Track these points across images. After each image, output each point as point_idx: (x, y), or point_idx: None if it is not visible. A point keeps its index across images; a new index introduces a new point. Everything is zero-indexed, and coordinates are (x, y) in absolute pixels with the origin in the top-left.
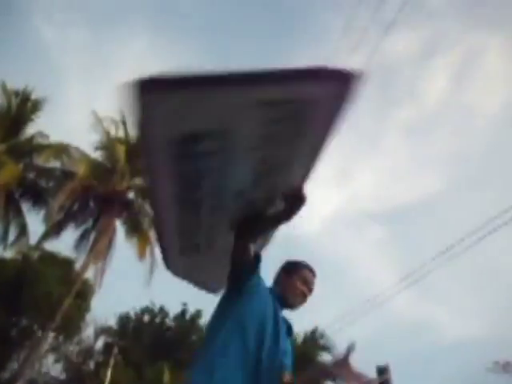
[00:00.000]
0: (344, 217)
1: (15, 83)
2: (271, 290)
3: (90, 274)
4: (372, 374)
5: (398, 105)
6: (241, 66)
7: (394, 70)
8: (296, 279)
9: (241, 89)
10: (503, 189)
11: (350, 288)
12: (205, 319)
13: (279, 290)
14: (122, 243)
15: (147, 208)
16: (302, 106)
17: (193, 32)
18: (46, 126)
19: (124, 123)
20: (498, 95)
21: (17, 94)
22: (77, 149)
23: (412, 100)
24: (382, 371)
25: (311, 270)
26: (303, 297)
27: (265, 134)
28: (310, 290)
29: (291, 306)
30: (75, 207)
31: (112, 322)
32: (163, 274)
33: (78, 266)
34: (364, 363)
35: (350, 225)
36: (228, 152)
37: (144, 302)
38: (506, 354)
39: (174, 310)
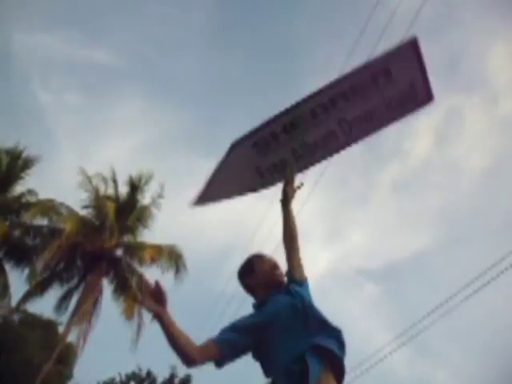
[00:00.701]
0: (336, 275)
1: (8, 143)
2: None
3: (73, 337)
4: None
5: (385, 163)
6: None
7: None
8: (259, 269)
9: None
10: (490, 242)
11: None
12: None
13: (263, 290)
14: (108, 303)
15: (135, 266)
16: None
17: (186, 97)
18: (36, 184)
19: (114, 181)
20: (478, 151)
21: (8, 152)
22: (65, 206)
23: (398, 158)
24: None
25: (255, 256)
26: (278, 269)
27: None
28: (276, 262)
29: (281, 284)
30: (61, 265)
31: None
32: (151, 335)
33: (61, 328)
34: None
35: (343, 282)
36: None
37: (130, 367)
38: None
39: (162, 374)
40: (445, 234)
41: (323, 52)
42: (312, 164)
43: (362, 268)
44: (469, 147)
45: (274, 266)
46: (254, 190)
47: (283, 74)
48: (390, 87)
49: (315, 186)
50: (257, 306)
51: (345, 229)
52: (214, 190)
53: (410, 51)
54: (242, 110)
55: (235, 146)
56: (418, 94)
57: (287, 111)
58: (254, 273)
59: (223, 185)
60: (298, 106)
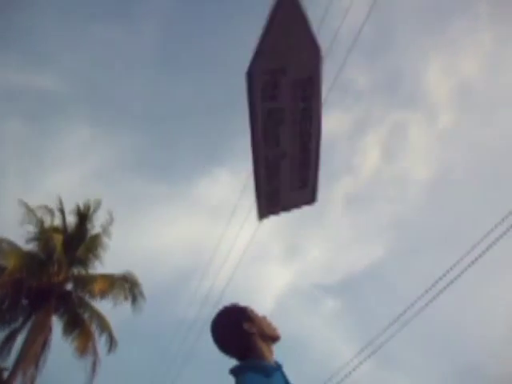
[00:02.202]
0: (296, 291)
1: None
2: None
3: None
4: None
5: (336, 179)
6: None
7: (330, 147)
8: (256, 317)
9: None
10: (440, 251)
11: (310, 365)
12: None
13: (261, 344)
14: (58, 342)
15: (87, 299)
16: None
17: (135, 121)
18: None
19: (62, 211)
20: (423, 164)
21: None
22: (7, 241)
23: (349, 173)
24: None
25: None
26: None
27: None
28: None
29: (279, 340)
30: (4, 306)
31: None
32: (107, 371)
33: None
34: None
35: (303, 299)
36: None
37: None
38: None
39: None
40: (397, 245)
41: None
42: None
43: (321, 283)
44: (413, 160)
45: (267, 319)
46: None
47: (235, 92)
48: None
49: None
50: (261, 370)
51: (301, 245)
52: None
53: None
54: (194, 132)
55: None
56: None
57: None
58: (254, 321)
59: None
60: None
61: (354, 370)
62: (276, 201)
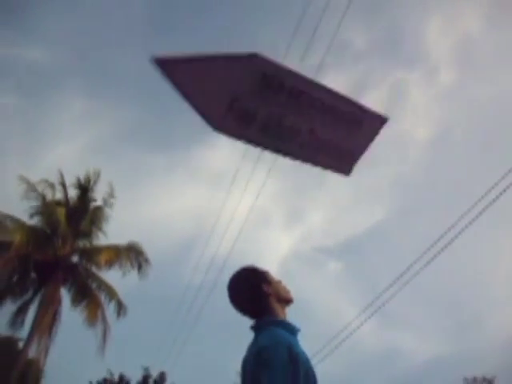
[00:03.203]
0: (299, 255)
1: None
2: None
3: (34, 352)
4: None
5: None
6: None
7: None
8: (273, 280)
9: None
10: (441, 209)
11: (315, 326)
12: (170, 381)
13: (277, 305)
14: (68, 312)
15: (94, 270)
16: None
17: (129, 92)
18: None
19: (63, 184)
20: (424, 123)
21: None
22: (10, 217)
23: None
24: None
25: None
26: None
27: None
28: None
29: (291, 303)
30: (13, 279)
31: None
32: (118, 338)
33: (21, 344)
34: None
35: (306, 262)
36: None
37: (101, 373)
38: (472, 367)
39: (135, 375)
40: (398, 205)
41: (267, 35)
42: (263, 145)
43: (323, 246)
44: (414, 120)
45: (282, 282)
46: (206, 114)
47: None
48: (349, 136)
49: (271, 170)
50: (286, 327)
51: (303, 210)
52: (187, 71)
53: (380, 122)
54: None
55: (254, 58)
56: (346, 161)
57: (302, 79)
58: (271, 283)
59: (197, 75)
60: (314, 86)
61: (357, 328)
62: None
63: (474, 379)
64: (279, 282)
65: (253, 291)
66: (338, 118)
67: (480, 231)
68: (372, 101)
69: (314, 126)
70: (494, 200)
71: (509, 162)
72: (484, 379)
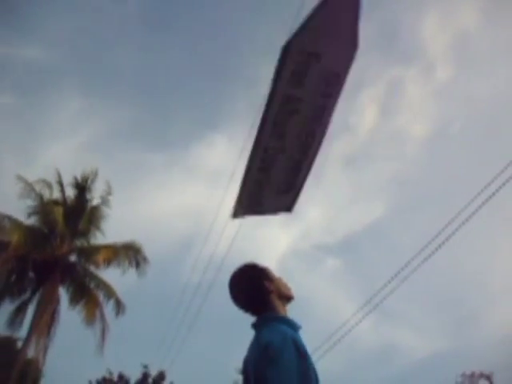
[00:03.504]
0: (297, 253)
1: None
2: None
3: (33, 352)
4: None
5: (334, 139)
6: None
7: None
8: (275, 277)
9: None
10: (438, 206)
11: (314, 323)
12: (169, 380)
13: (278, 303)
14: (67, 311)
15: (92, 269)
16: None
17: (127, 90)
18: None
19: (60, 184)
20: (420, 120)
21: None
22: (8, 217)
23: (346, 133)
24: None
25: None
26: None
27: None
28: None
29: (292, 300)
30: (11, 279)
31: None
32: (116, 337)
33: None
34: None
35: (304, 260)
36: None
37: (100, 372)
38: (470, 363)
39: (134, 374)
40: (396, 202)
41: (263, 31)
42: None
43: (321, 243)
44: (411, 117)
45: (283, 279)
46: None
47: (228, 55)
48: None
49: None
50: (288, 323)
51: (301, 207)
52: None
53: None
54: (188, 97)
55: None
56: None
57: None
58: (273, 280)
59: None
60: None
61: (356, 325)
62: (257, 201)
63: (472, 375)
64: (280, 279)
65: (254, 288)
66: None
67: (477, 227)
68: (369, 97)
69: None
70: (490, 196)
71: (506, 157)
72: (481, 375)
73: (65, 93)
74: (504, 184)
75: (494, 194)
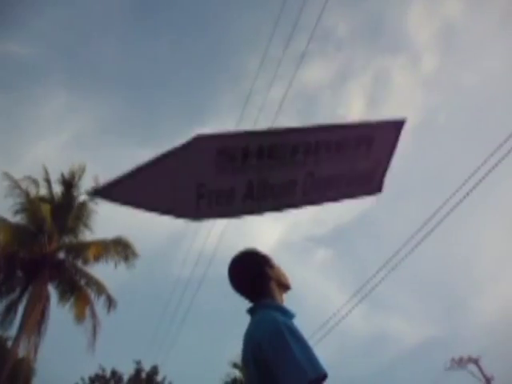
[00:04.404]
0: (288, 244)
1: None
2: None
3: (24, 351)
4: None
5: None
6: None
7: (314, 98)
8: (276, 265)
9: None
10: (425, 195)
11: (306, 313)
12: (162, 375)
13: (277, 290)
14: (57, 309)
15: (81, 266)
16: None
17: (113, 84)
18: None
19: (47, 180)
20: (407, 109)
21: None
22: None
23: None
24: None
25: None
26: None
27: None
28: None
29: (289, 290)
30: (0, 279)
31: None
32: (108, 334)
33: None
34: None
35: (295, 251)
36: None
37: (93, 369)
38: (459, 349)
39: (128, 370)
40: (384, 192)
41: (250, 23)
42: (257, 211)
43: (312, 234)
44: (398, 107)
45: (282, 268)
46: (179, 212)
47: (214, 49)
48: (364, 158)
49: None
50: (284, 311)
51: None
52: (136, 187)
53: (395, 129)
54: (175, 91)
55: (197, 141)
56: (373, 180)
57: (272, 133)
58: (273, 267)
59: (150, 185)
60: (285, 132)
61: (348, 313)
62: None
63: (460, 359)
64: (280, 268)
65: (255, 273)
66: (337, 148)
67: (465, 216)
68: (355, 88)
69: (311, 169)
70: (476, 184)
71: (491, 145)
72: (469, 359)
73: (49, 88)
74: (490, 171)
75: (480, 181)
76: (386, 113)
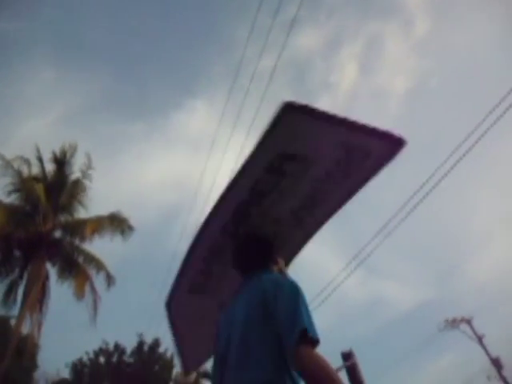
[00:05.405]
0: None
1: None
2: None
3: (28, 329)
4: (338, 360)
5: (314, 98)
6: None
7: (306, 66)
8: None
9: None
10: (420, 160)
11: (303, 282)
12: (163, 347)
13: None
14: (57, 287)
15: (78, 243)
16: (360, 155)
17: (101, 58)
18: None
19: (39, 159)
20: (401, 74)
21: None
22: None
23: (327, 91)
24: (347, 357)
25: None
26: None
27: (329, 170)
28: None
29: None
30: None
31: (65, 373)
32: (109, 308)
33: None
34: (329, 351)
35: None
36: (299, 177)
37: (96, 344)
38: (453, 310)
39: (130, 343)
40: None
41: None
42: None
43: None
44: (391, 72)
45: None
46: None
47: (202, 18)
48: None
49: (250, 130)
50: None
51: None
52: (193, 357)
53: (389, 148)
54: (164, 64)
55: (170, 305)
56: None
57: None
58: (280, 260)
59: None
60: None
61: (344, 280)
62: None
63: (454, 320)
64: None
65: (268, 252)
66: (325, 175)
67: (459, 180)
68: (348, 55)
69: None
70: (469, 148)
71: (484, 108)
72: (462, 319)
73: (35, 63)
74: (483, 135)
75: (472, 146)
76: (379, 79)
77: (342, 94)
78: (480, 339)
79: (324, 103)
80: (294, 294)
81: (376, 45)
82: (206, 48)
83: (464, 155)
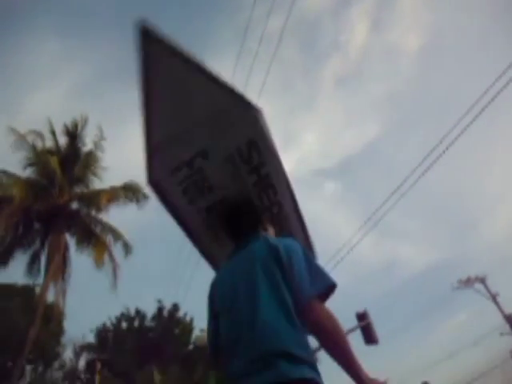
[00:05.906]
0: (296, 179)
1: None
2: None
3: (52, 297)
4: (353, 321)
5: (324, 60)
6: None
7: (315, 26)
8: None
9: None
10: (433, 121)
11: (318, 245)
12: (182, 311)
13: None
14: (78, 256)
15: (94, 214)
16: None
17: (109, 25)
18: None
19: (53, 132)
20: (414, 31)
21: None
22: (4, 173)
23: (337, 52)
24: (362, 317)
25: None
26: None
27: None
28: None
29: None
30: (19, 232)
31: (90, 337)
32: (129, 275)
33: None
34: (344, 312)
35: (304, 185)
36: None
37: (118, 310)
38: (467, 270)
39: (150, 309)
40: (390, 120)
41: None
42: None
43: (320, 168)
44: (404, 28)
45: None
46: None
47: None
48: None
49: (260, 94)
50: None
51: (296, 134)
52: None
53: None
54: (172, 29)
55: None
56: None
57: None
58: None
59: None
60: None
61: (358, 242)
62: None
63: (468, 279)
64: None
65: (260, 217)
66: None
67: (472, 139)
68: (358, 12)
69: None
70: (485, 106)
71: (500, 64)
72: (476, 278)
73: (42, 33)
74: (499, 93)
75: (489, 103)
76: (391, 37)
77: (352, 54)
78: (494, 297)
79: (334, 63)
80: (305, 253)
81: (387, 1)
82: (213, 12)
83: (480, 113)
